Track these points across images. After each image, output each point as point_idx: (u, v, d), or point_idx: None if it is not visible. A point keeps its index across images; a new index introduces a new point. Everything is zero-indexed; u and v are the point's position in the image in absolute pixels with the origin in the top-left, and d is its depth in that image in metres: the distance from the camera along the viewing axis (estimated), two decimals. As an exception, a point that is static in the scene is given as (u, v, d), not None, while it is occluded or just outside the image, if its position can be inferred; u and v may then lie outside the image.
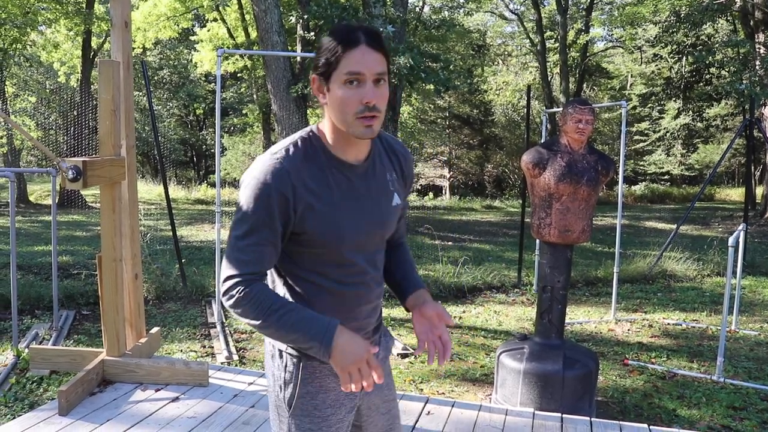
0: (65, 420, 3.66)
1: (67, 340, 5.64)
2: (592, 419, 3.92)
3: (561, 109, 4.23)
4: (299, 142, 1.65)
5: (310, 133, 1.68)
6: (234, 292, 1.58)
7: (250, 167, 1.63)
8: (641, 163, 32.30)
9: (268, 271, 1.76)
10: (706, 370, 5.36)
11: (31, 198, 21.44)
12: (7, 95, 20.44)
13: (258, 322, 1.56)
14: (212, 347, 5.62)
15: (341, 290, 1.72)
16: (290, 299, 1.70)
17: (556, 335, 4.27)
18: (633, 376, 5.16)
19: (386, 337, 1.98)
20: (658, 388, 4.90)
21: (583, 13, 29.16)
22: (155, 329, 4.89)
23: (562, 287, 4.23)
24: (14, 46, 18.50)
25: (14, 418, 3.79)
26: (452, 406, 4.07)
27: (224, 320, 6.30)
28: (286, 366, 1.75)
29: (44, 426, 3.58)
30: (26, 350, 4.87)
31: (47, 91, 23.74)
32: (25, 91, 22.76)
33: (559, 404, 4.03)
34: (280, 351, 1.75)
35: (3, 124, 18.79)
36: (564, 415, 3.94)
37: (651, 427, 3.84)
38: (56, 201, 5.88)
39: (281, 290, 1.74)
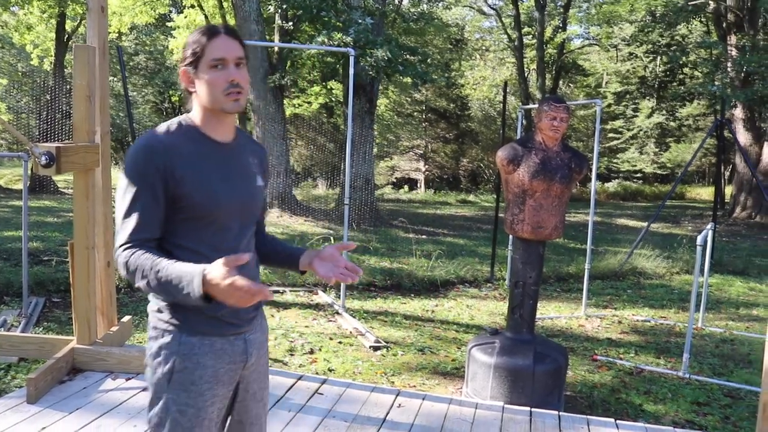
0: (33, 408, 3.63)
1: (36, 327, 5.58)
2: (561, 413, 3.98)
3: (537, 105, 4.28)
4: (175, 123, 1.88)
5: (180, 120, 1.90)
6: (122, 258, 1.76)
7: (132, 145, 1.83)
8: (615, 160, 32.65)
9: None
10: (672, 366, 5.46)
11: (1, 182, 21.10)
12: (-23, 77, 20.06)
13: (144, 282, 1.72)
14: (184, 337, 5.58)
15: (217, 256, 1.77)
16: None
17: (527, 330, 4.33)
18: (601, 372, 5.25)
19: (264, 319, 2.11)
20: (625, 384, 4.99)
21: (561, 10, 29.36)
22: (127, 318, 4.86)
23: (534, 283, 4.28)
24: (-15, 27, 18.14)
25: (-19, 405, 3.75)
26: (423, 399, 4.11)
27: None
28: (166, 344, 1.87)
29: (12, 414, 3.54)
30: (-6, 337, 4.81)
31: (19, 73, 23.32)
32: (-5, 74, 22.36)
33: (529, 398, 4.08)
34: (163, 331, 1.88)
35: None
36: (533, 409, 3.99)
37: (618, 421, 3.91)
38: (27, 186, 5.80)
39: None
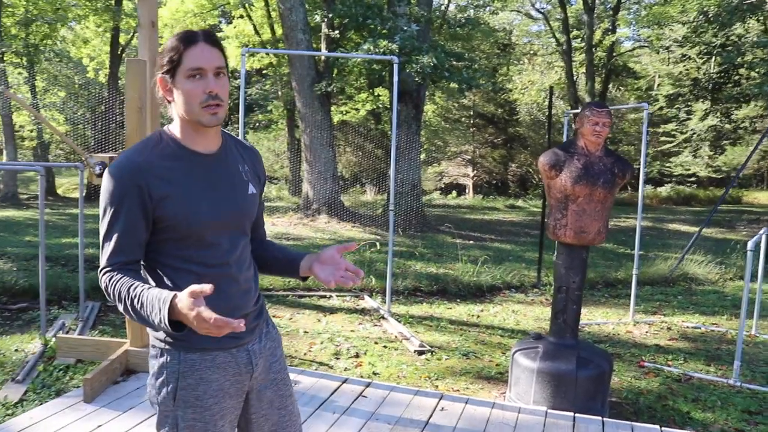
0: (90, 407, 3.79)
1: (92, 330, 5.78)
2: (605, 419, 3.96)
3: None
4: (151, 140, 1.80)
5: (161, 132, 1.83)
6: (102, 283, 1.72)
7: (109, 166, 1.76)
8: (667, 164, 31.92)
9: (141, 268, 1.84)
10: (722, 374, 5.36)
11: (59, 191, 21.81)
12: (37, 90, 20.80)
13: (122, 307, 1.67)
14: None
15: (207, 273, 1.79)
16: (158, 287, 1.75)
17: (570, 335, 4.31)
18: (648, 378, 5.18)
19: (271, 327, 2.07)
20: (673, 391, 4.92)
21: (610, 12, 28.95)
22: (177, 321, 4.99)
23: (577, 288, 4.27)
24: (45, 41, 18.83)
25: (42, 404, 3.92)
26: (466, 402, 4.13)
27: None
28: (167, 362, 1.82)
29: (70, 412, 3.70)
30: (53, 339, 5.01)
31: (76, 86, 24.12)
32: (54, 86, 23.14)
33: (572, 403, 4.07)
34: (161, 350, 1.83)
35: (33, 118, 19.13)
36: (576, 415, 3.98)
37: (663, 428, 3.86)
38: (83, 195, 6.02)
39: (152, 283, 1.82)
